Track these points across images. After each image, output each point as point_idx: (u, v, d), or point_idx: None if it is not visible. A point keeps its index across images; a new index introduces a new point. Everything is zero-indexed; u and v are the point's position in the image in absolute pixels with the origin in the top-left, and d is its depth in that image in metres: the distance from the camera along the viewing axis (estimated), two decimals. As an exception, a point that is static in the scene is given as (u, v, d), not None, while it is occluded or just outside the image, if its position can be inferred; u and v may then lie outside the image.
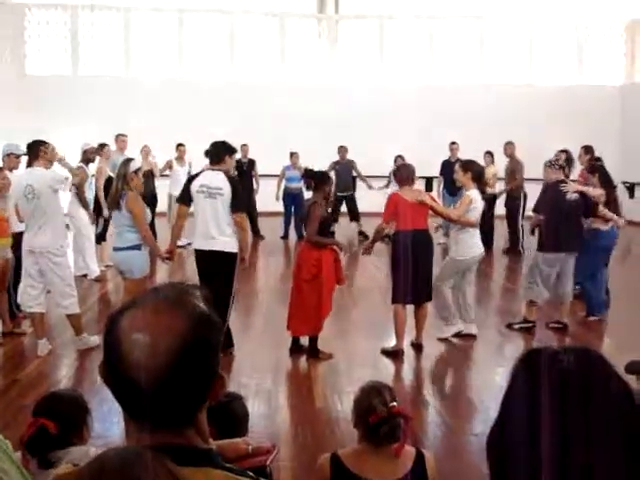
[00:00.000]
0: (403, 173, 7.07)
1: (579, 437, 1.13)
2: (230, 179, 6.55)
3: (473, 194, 7.18)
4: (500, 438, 1.23)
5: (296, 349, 6.76)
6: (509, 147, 12.88)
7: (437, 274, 7.24)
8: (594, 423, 1.14)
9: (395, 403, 2.90)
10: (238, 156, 13.88)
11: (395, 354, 6.74)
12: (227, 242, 6.47)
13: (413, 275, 6.68)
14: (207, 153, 6.76)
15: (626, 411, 1.18)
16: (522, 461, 1.15)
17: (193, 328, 1.25)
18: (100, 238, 10.07)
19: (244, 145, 13.97)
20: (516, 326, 7.71)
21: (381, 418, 2.82)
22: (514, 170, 12.59)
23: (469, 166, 7.37)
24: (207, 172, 6.66)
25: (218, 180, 6.47)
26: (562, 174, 7.83)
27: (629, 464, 1.15)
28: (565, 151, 11.03)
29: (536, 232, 8.10)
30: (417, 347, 6.98)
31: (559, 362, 1.19)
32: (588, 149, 9.96)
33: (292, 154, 14.10)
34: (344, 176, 13.81)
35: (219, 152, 6.64)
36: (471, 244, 7.21)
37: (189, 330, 1.25)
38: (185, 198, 6.70)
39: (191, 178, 6.79)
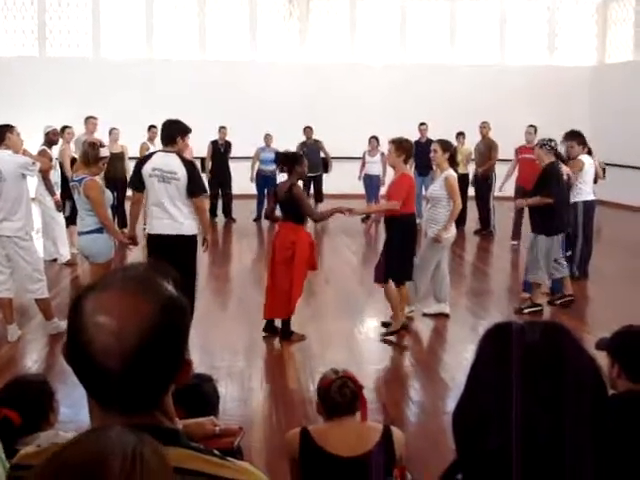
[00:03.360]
0: (409, 150, 6.89)
1: (548, 409, 1.13)
2: (185, 162, 6.19)
3: (454, 174, 7.22)
4: (467, 411, 1.23)
5: (270, 331, 6.74)
6: (484, 127, 12.89)
7: (422, 255, 7.28)
8: (564, 395, 1.14)
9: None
10: (216, 137, 13.87)
11: (399, 332, 6.76)
12: (186, 225, 6.19)
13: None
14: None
15: (595, 383, 1.18)
16: (491, 433, 1.14)
17: (160, 311, 1.22)
18: (69, 221, 9.90)
19: (222, 127, 13.88)
20: (526, 310, 7.62)
21: (331, 381, 3.07)
22: (490, 150, 12.64)
23: (448, 146, 7.37)
24: (159, 154, 6.33)
25: (172, 164, 6.10)
26: (553, 156, 7.79)
27: (597, 435, 1.15)
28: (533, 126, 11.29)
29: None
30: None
31: (526, 335, 1.19)
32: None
33: (266, 135, 14.01)
34: (312, 156, 13.71)
35: (171, 132, 6.23)
36: (450, 223, 7.18)
37: (157, 313, 1.21)
38: (136, 183, 6.34)
39: (141, 161, 6.41)
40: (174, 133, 6.23)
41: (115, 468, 0.99)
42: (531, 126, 11.61)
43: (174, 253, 6.09)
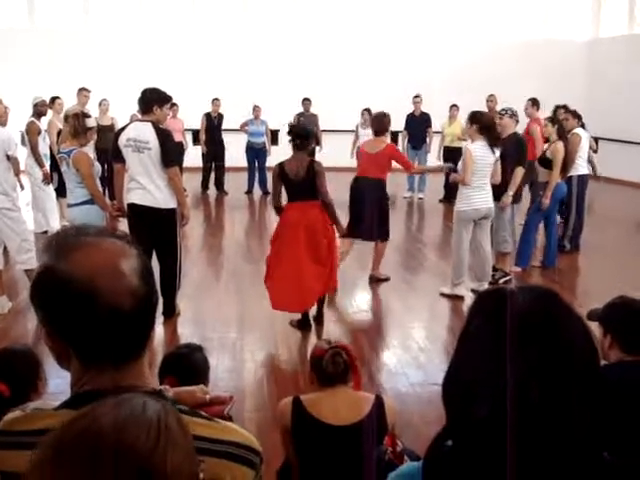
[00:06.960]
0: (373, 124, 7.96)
1: (539, 374, 1.11)
2: (158, 131, 6.00)
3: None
4: (458, 378, 1.21)
5: (306, 324, 6.25)
6: (491, 100, 12.28)
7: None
8: (556, 360, 1.12)
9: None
10: (209, 110, 13.74)
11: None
12: (161, 198, 6.05)
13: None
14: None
15: (587, 346, 1.17)
16: (481, 400, 1.13)
17: (131, 248, 1.28)
18: (58, 193, 9.83)
19: (216, 100, 13.75)
20: (501, 280, 7.59)
21: (324, 351, 3.08)
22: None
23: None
24: (135, 123, 6.23)
25: (145, 133, 5.95)
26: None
27: (590, 401, 1.14)
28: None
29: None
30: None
31: (516, 301, 1.17)
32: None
33: (255, 107, 13.87)
34: None
35: (147, 101, 6.07)
36: (468, 196, 6.92)
37: (138, 253, 1.28)
38: (115, 154, 6.20)
39: (119, 131, 6.27)
40: (150, 102, 6.08)
41: (140, 439, 0.97)
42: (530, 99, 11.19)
43: (151, 225, 6.04)
